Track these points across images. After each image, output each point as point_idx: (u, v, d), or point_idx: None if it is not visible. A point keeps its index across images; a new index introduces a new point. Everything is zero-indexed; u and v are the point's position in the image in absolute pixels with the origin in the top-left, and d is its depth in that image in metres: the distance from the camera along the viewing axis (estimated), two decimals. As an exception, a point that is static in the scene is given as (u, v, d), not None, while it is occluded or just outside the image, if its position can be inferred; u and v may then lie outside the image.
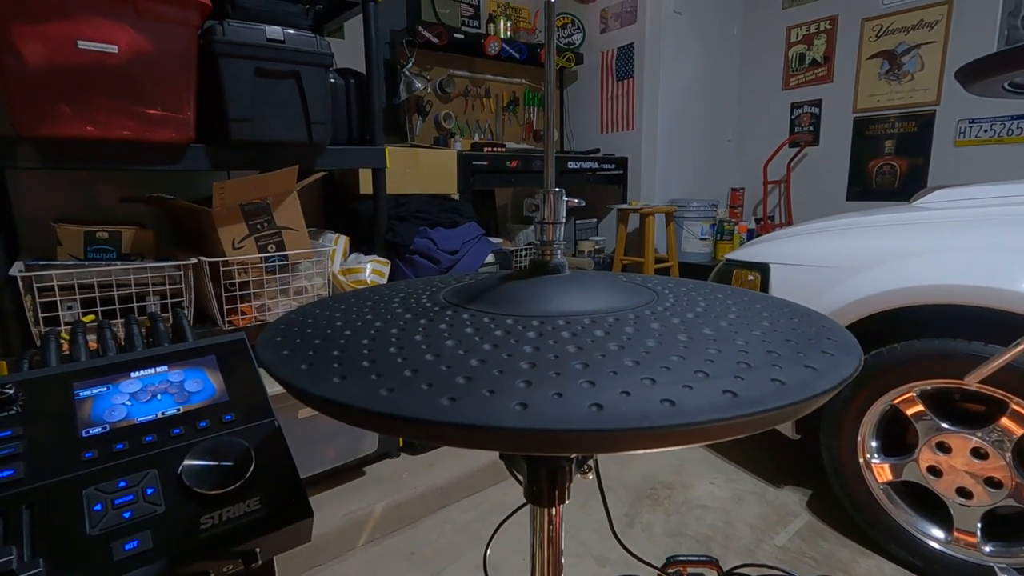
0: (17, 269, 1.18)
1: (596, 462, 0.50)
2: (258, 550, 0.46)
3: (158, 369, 0.53)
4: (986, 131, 2.90)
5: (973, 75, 0.63)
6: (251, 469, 0.47)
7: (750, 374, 0.26)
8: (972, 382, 1.13)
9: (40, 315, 1.21)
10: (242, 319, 1.50)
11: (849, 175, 3.43)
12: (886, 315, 1.31)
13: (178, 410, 0.50)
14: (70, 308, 1.23)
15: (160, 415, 0.49)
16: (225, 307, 1.46)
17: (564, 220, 0.40)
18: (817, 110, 3.51)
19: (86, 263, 1.29)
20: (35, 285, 1.18)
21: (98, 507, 0.42)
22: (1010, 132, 2.84)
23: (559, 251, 0.40)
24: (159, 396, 0.50)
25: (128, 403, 0.49)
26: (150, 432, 0.47)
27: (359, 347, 0.31)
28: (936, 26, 2.99)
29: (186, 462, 0.46)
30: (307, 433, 1.46)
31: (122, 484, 0.44)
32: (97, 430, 0.46)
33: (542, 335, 0.31)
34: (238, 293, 1.46)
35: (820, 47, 3.44)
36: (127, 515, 0.42)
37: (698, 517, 1.49)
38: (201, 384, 0.52)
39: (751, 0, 3.70)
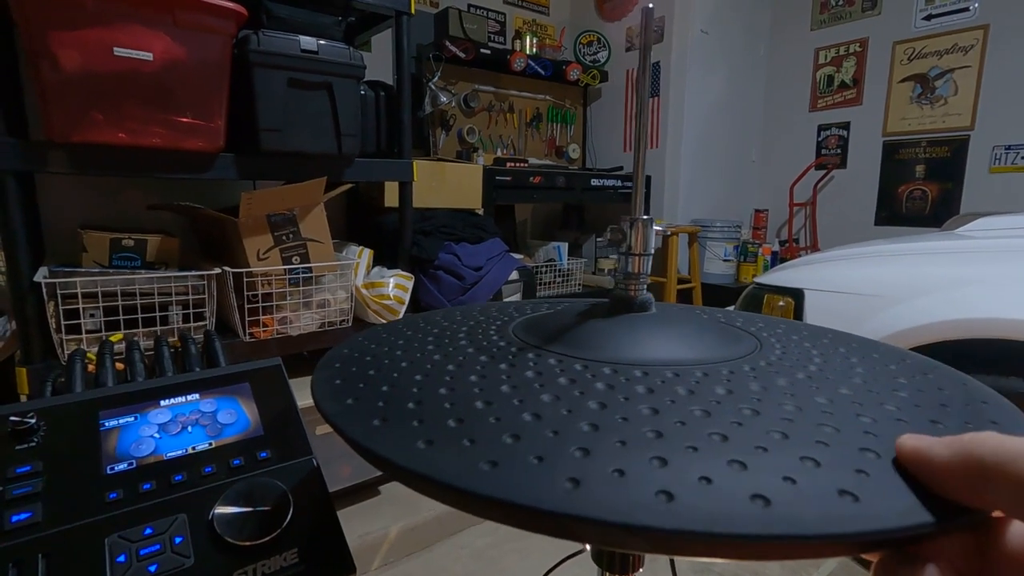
0: (41, 275, 1.16)
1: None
2: (293, 608, 0.41)
3: (189, 397, 0.48)
4: (1023, 158, 2.82)
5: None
6: (289, 516, 0.42)
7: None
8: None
9: (62, 322, 1.18)
10: (263, 331, 1.47)
11: (878, 199, 3.35)
12: (927, 349, 1.24)
13: (209, 445, 0.46)
14: (92, 316, 1.21)
15: (191, 450, 0.45)
16: (247, 318, 1.43)
17: (653, 252, 0.36)
18: (845, 132, 3.45)
19: (110, 270, 1.27)
20: (59, 292, 1.16)
21: (122, 558, 0.37)
22: (1051, 160, 2.76)
23: (645, 286, 0.35)
24: (189, 428, 0.46)
25: (157, 435, 0.45)
26: (180, 470, 0.43)
27: (438, 398, 0.26)
28: (971, 51, 2.93)
29: (218, 509, 0.41)
30: (322, 451, 1.41)
31: (148, 531, 0.39)
32: (123, 466, 0.42)
33: (652, 391, 0.26)
34: (260, 305, 1.43)
35: (849, 69, 3.39)
36: (153, 568, 0.38)
37: (729, 555, 1.42)
38: (235, 415, 0.48)
39: (779, 21, 3.66)
